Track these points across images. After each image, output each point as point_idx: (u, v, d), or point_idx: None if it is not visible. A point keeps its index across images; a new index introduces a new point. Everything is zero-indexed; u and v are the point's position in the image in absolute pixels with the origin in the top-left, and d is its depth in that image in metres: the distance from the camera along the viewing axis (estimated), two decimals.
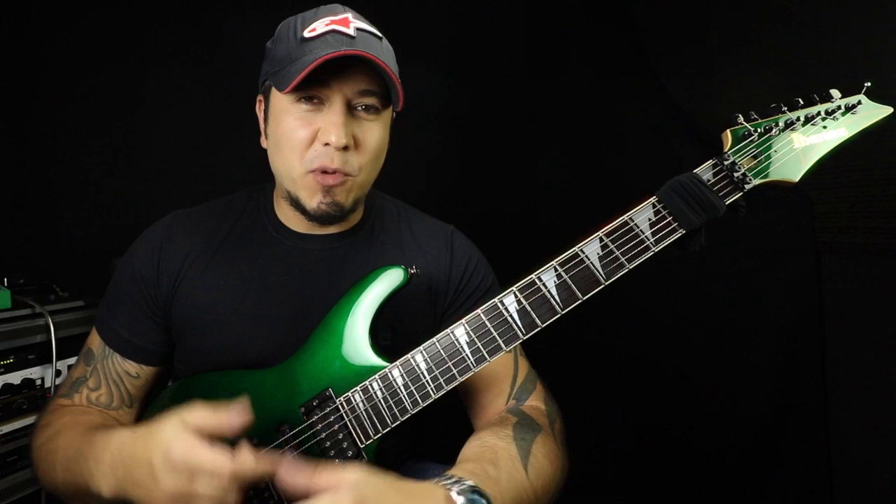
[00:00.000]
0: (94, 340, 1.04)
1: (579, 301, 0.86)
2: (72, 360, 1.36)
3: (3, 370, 1.28)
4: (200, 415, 0.74)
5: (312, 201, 0.95)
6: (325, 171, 0.93)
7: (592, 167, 2.17)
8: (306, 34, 0.91)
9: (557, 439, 0.95)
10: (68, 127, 1.80)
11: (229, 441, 0.81)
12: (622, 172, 2.11)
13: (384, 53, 0.94)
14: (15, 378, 1.30)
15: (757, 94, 1.88)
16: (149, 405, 1.05)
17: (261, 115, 1.04)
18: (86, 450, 0.83)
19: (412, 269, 0.94)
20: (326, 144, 0.91)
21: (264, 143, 1.03)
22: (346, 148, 0.92)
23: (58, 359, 1.33)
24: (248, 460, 0.71)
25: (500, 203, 2.18)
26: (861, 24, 1.64)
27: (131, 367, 1.02)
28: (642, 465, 2.12)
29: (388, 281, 0.93)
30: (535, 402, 1.03)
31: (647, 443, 2.11)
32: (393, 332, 0.97)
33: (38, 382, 1.34)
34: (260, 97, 1.03)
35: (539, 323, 0.86)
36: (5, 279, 1.42)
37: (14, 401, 1.30)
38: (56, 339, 1.33)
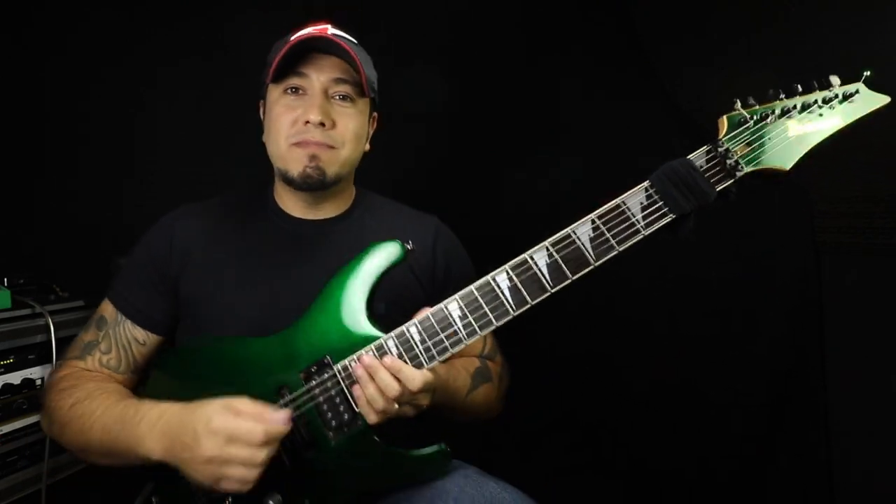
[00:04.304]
0: (107, 309, 1.13)
1: (569, 280, 0.90)
2: None
3: (3, 370, 1.28)
4: (246, 404, 0.87)
5: (299, 167, 1.08)
6: (307, 143, 1.07)
7: (591, 166, 2.17)
8: (291, 38, 1.08)
9: (500, 389, 1.22)
10: (69, 127, 1.80)
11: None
12: (623, 172, 2.11)
13: (356, 50, 1.08)
14: (15, 378, 1.30)
15: (756, 94, 1.87)
16: (155, 365, 1.11)
17: (262, 115, 1.19)
18: (131, 416, 0.94)
19: (408, 244, 1.00)
20: (307, 123, 1.06)
21: (264, 138, 1.17)
22: (323, 125, 1.06)
23: (58, 359, 1.33)
24: (280, 418, 0.86)
25: (499, 203, 2.18)
26: (861, 22, 1.64)
27: (140, 333, 1.12)
28: (642, 464, 2.12)
29: (384, 254, 1.00)
30: (492, 365, 1.24)
31: (647, 442, 2.11)
32: (386, 303, 1.04)
33: (38, 382, 1.34)
34: (260, 101, 1.19)
35: (529, 300, 0.90)
36: (5, 279, 1.42)
37: (14, 401, 1.29)
38: (56, 339, 1.32)
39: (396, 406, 0.91)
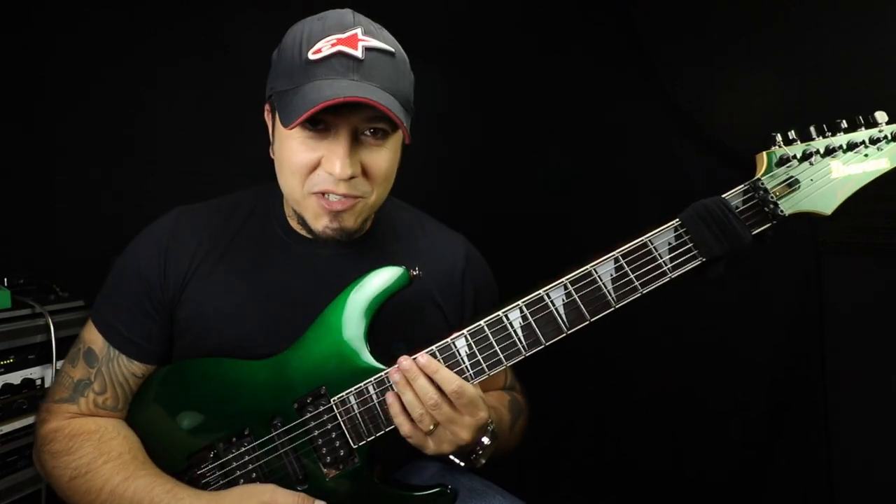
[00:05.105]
0: (96, 340, 0.99)
1: (586, 322, 0.84)
2: None
3: (3, 370, 1.28)
4: (282, 500, 0.87)
5: (318, 224, 0.93)
6: (329, 195, 0.90)
7: (593, 167, 2.17)
8: (311, 55, 0.85)
9: (528, 417, 1.17)
10: (69, 127, 1.80)
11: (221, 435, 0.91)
12: (623, 172, 2.11)
13: (395, 76, 0.90)
14: (15, 378, 1.30)
15: (756, 94, 1.88)
16: (143, 385, 1.02)
17: (269, 124, 0.99)
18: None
19: (414, 270, 0.92)
20: (330, 173, 0.88)
21: (272, 155, 1.00)
22: (352, 177, 0.89)
23: (58, 359, 1.32)
24: None
25: (498, 202, 2.18)
26: (861, 22, 1.64)
27: (137, 368, 0.99)
28: (642, 464, 2.11)
29: (383, 279, 0.92)
30: (518, 396, 1.19)
31: (647, 443, 2.11)
32: (407, 343, 0.95)
33: (38, 382, 1.34)
34: (267, 106, 0.99)
35: (543, 341, 0.85)
36: (5, 279, 1.42)
37: (14, 401, 1.29)
38: (56, 339, 1.32)
39: (431, 426, 0.84)
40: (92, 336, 1.00)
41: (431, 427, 0.84)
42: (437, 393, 0.83)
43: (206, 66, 1.91)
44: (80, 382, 0.98)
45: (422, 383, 0.83)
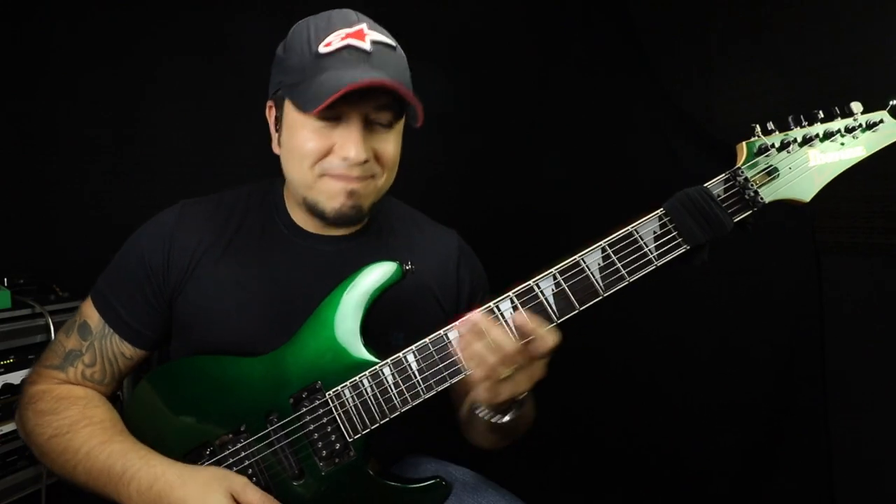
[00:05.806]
0: (93, 315, 1.02)
1: (576, 311, 0.86)
2: None
3: (3, 370, 1.29)
4: (252, 494, 0.87)
5: (334, 202, 0.96)
6: (347, 178, 0.94)
7: (592, 167, 2.17)
8: (321, 49, 0.91)
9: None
10: (69, 127, 1.80)
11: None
12: (623, 172, 2.11)
13: (400, 67, 0.97)
14: (15, 378, 1.30)
15: (756, 94, 1.88)
16: (147, 379, 1.03)
17: (271, 121, 1.03)
18: (118, 472, 0.89)
19: (407, 264, 0.95)
20: (345, 158, 0.92)
21: (276, 150, 1.02)
22: (366, 161, 0.93)
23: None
24: None
25: (500, 202, 2.18)
26: (860, 23, 1.65)
27: (127, 349, 1.02)
28: (642, 465, 2.12)
29: (377, 274, 0.94)
30: None
31: (647, 443, 2.11)
32: (405, 335, 0.96)
33: None
34: (270, 103, 1.02)
35: None
36: (5, 279, 1.42)
37: (14, 401, 1.30)
38: None
39: (507, 371, 0.80)
40: (89, 311, 1.03)
41: (508, 372, 0.81)
42: (513, 343, 0.79)
43: (206, 66, 1.92)
44: (72, 352, 1.01)
45: (496, 334, 0.80)
